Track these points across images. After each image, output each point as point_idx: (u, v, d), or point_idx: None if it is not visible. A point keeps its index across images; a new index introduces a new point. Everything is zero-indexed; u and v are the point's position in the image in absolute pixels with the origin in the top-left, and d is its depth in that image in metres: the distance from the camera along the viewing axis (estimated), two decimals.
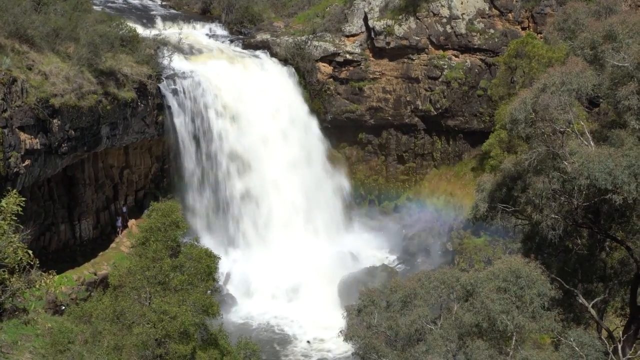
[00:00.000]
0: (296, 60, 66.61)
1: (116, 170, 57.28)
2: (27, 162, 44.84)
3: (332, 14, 68.87)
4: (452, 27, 65.77)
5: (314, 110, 67.00)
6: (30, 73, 46.17)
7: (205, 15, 75.16)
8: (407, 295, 25.75)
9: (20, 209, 30.10)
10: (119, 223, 55.73)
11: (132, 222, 56.89)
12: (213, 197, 61.51)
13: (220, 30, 70.97)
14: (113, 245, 54.82)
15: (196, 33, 68.92)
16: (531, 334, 23.97)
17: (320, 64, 67.12)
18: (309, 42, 66.93)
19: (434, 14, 66.07)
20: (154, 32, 63.04)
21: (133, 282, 26.58)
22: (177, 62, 60.37)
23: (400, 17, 66.17)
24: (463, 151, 68.85)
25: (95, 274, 51.16)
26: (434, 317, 25.20)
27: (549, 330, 24.06)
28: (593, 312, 27.97)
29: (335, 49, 67.01)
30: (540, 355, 22.81)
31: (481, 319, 23.41)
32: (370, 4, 67.22)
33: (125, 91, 52.51)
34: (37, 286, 32.30)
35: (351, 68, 67.47)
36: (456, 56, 66.35)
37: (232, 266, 59.39)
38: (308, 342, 53.17)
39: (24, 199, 30.73)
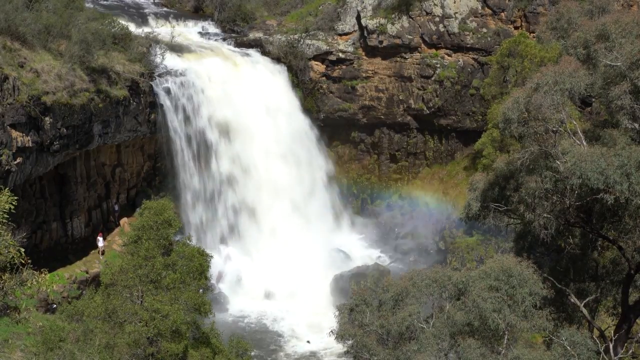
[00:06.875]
0: (289, 59, 66.57)
1: (108, 168, 57.16)
2: (18, 159, 44.75)
3: (325, 13, 68.82)
4: (444, 26, 65.78)
5: (307, 108, 66.98)
6: (22, 70, 46.03)
7: (197, 13, 75.11)
8: (399, 294, 25.78)
9: (12, 206, 29.99)
10: (101, 243, 54.45)
11: (124, 221, 56.79)
12: (205, 194, 61.38)
13: (212, 29, 70.91)
14: (105, 243, 54.69)
15: (189, 31, 68.80)
16: (523, 333, 24.02)
17: (313, 63, 67.06)
18: (302, 40, 66.85)
19: (427, 13, 66.06)
20: (146, 30, 62.86)
21: (125, 281, 26.49)
22: (170, 60, 60.18)
23: (393, 15, 66.14)
24: (455, 150, 68.88)
25: (87, 272, 51.15)
26: (426, 316, 25.23)
27: (540, 329, 24.12)
28: (585, 311, 28.03)
29: (328, 47, 66.95)
30: (532, 354, 22.84)
31: (473, 318, 23.45)
32: (363, 2, 67.17)
33: (117, 89, 52.39)
34: (29, 284, 32.20)
35: (344, 67, 67.43)
36: (449, 55, 66.35)
37: (224, 264, 59.32)
38: (308, 342, 52.98)
39: (15, 197, 30.60)
